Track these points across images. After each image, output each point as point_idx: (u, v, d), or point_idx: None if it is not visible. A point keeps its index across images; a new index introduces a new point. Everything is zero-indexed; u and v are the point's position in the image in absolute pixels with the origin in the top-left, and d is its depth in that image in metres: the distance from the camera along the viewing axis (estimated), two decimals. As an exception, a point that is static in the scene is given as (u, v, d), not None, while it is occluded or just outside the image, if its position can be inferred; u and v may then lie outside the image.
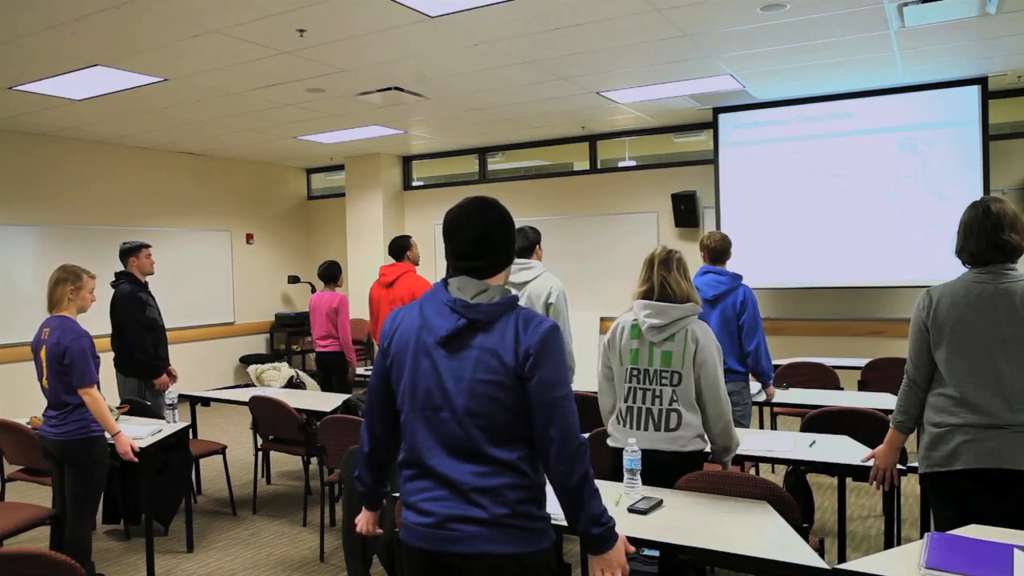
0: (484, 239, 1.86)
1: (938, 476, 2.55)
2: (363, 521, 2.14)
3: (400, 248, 5.38)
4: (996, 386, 2.45)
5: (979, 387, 2.48)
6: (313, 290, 9.99)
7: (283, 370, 5.70)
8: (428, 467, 1.82)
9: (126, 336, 4.92)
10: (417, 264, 5.45)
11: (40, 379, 3.62)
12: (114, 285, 4.99)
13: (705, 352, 2.82)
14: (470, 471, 1.78)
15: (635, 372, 2.88)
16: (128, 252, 5.02)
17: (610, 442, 2.96)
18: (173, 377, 5.09)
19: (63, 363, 3.48)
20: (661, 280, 2.93)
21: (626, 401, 2.91)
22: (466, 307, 1.81)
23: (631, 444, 2.68)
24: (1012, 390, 2.44)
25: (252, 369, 5.77)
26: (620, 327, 2.97)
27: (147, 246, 5.08)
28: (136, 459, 3.64)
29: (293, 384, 5.69)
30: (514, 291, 4.31)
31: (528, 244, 4.36)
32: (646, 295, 2.94)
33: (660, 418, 2.83)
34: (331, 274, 6.18)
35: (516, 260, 4.35)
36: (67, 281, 3.61)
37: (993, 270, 2.50)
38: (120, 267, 5.03)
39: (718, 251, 4.41)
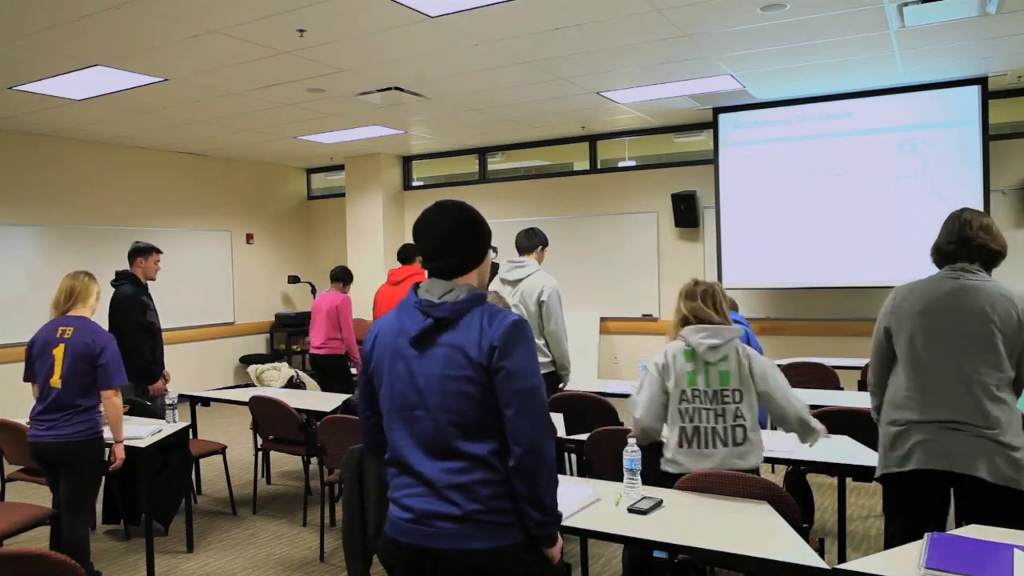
0: (446, 240, 1.92)
1: (895, 477, 2.59)
2: None
3: (408, 255, 5.59)
4: (955, 383, 2.48)
5: (938, 383, 2.51)
6: (313, 291, 10.01)
7: (283, 370, 5.71)
8: (407, 465, 1.87)
9: (125, 339, 4.87)
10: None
11: (47, 379, 3.51)
12: (115, 284, 4.96)
13: (758, 363, 2.90)
14: (444, 468, 1.82)
15: (696, 393, 2.89)
16: (138, 252, 4.99)
17: (671, 468, 2.90)
18: (166, 380, 5.08)
19: (95, 364, 3.47)
20: (693, 310, 2.99)
21: (690, 422, 2.89)
22: (432, 306, 1.86)
23: (631, 443, 2.68)
24: (969, 389, 2.46)
25: (252, 369, 5.77)
26: (671, 354, 2.96)
27: (159, 251, 5.06)
28: (118, 467, 3.63)
29: (293, 384, 5.69)
30: (508, 288, 4.36)
31: (531, 244, 4.45)
32: (683, 323, 3.00)
33: (727, 435, 2.84)
34: (342, 277, 6.26)
35: (511, 259, 4.40)
36: (92, 283, 3.68)
37: (961, 267, 2.54)
38: (119, 266, 5.01)
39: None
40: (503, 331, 1.81)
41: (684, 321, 2.99)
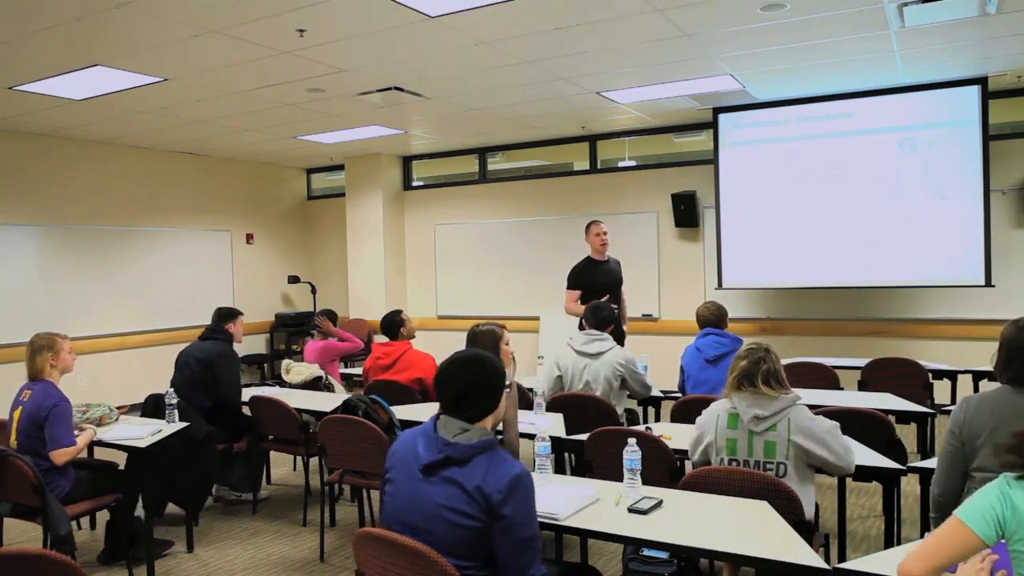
0: None
1: None
2: None
3: (393, 326, 5.04)
4: None
5: None
6: (313, 291, 10.01)
7: (313, 369, 5.57)
8: None
9: (224, 396, 4.74)
10: (413, 338, 5.10)
11: (7, 439, 3.60)
12: (209, 337, 4.80)
13: (812, 442, 2.76)
14: None
15: (733, 463, 2.82)
16: (228, 316, 4.87)
17: None
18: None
19: (41, 429, 3.48)
20: (749, 372, 2.87)
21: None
22: None
23: (631, 443, 2.68)
24: None
25: (286, 362, 5.68)
26: (716, 415, 2.92)
27: (240, 313, 4.97)
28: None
29: (322, 386, 5.55)
30: (587, 360, 4.44)
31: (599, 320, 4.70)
32: (738, 385, 2.88)
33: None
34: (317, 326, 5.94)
35: (589, 332, 4.60)
36: (45, 349, 3.64)
37: None
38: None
39: (713, 320, 4.47)
40: None
41: (741, 382, 2.87)
